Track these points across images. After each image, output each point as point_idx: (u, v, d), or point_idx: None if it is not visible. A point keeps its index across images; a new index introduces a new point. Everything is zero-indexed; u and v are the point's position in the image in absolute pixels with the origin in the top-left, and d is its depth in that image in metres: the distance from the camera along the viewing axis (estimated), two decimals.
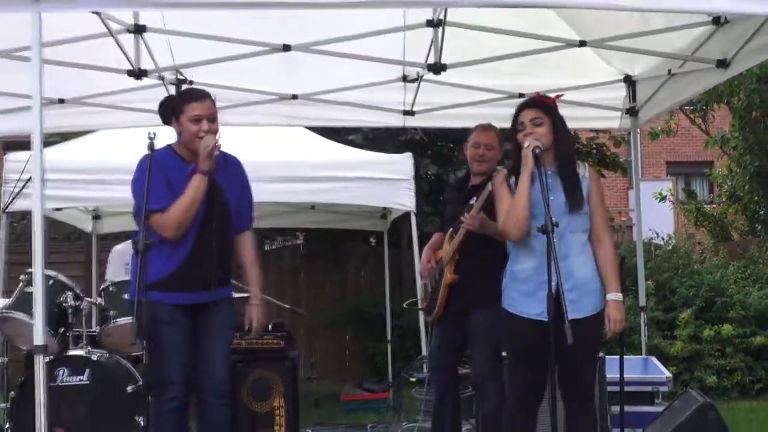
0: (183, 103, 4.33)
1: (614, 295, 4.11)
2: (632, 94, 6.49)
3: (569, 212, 4.06)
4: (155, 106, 6.52)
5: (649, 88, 6.29)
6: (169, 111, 4.37)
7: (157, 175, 4.09)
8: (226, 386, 4.26)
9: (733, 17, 4.82)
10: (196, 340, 4.19)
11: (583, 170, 4.27)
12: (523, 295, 4.12)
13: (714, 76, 5.46)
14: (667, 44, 5.44)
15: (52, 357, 4.98)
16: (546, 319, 3.86)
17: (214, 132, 4.26)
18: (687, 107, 12.68)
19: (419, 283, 5.98)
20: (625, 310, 4.16)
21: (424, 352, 7.80)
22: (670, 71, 5.79)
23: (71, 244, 10.74)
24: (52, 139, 8.12)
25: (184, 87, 6.16)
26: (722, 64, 5.21)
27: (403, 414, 7.23)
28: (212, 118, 4.28)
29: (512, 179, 4.17)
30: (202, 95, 4.37)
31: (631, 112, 6.57)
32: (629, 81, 6.43)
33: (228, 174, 4.39)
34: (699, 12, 4.79)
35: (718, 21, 4.97)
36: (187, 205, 4.11)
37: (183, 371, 4.12)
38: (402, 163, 7.97)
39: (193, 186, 4.13)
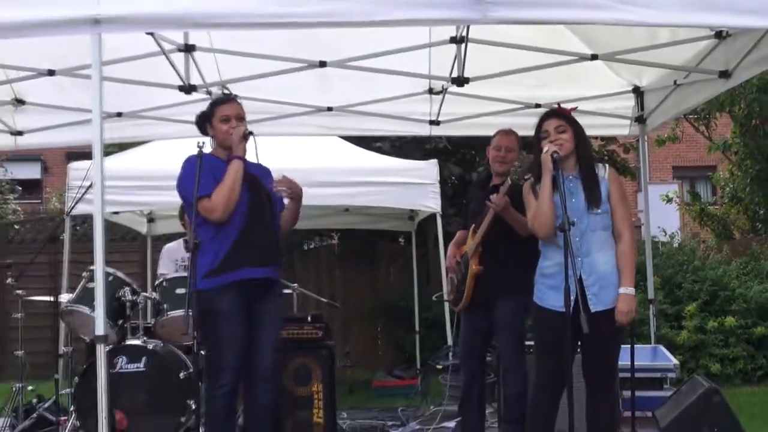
0: (213, 107, 4.42)
1: (624, 289, 4.04)
2: (640, 104, 6.45)
3: (588, 211, 4.05)
4: None
5: (656, 98, 6.25)
6: (203, 120, 4.43)
7: (202, 169, 4.12)
8: (271, 373, 4.27)
9: (735, 31, 4.80)
10: (248, 329, 4.19)
11: (603, 172, 4.22)
12: (549, 289, 4.11)
13: (716, 86, 5.43)
14: (672, 57, 5.42)
15: (111, 346, 5.02)
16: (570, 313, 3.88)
17: (235, 116, 4.33)
18: (691, 116, 12.55)
19: (445, 278, 5.97)
20: (636, 303, 4.10)
21: (450, 342, 7.81)
22: (675, 82, 5.76)
23: (128, 245, 10.83)
24: (110, 150, 8.19)
25: (218, 96, 6.22)
26: (724, 74, 5.18)
27: (430, 398, 7.23)
28: (240, 118, 4.33)
29: (537, 186, 4.15)
30: (229, 99, 4.51)
31: (640, 120, 6.52)
32: (637, 91, 6.39)
33: (258, 170, 4.42)
34: (703, 26, 4.76)
35: (720, 35, 4.95)
36: (230, 186, 4.13)
37: (235, 359, 4.12)
38: (428, 169, 7.99)
39: (233, 170, 4.17)
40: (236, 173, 4.16)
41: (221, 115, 4.30)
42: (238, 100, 4.49)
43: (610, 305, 3.96)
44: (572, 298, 3.86)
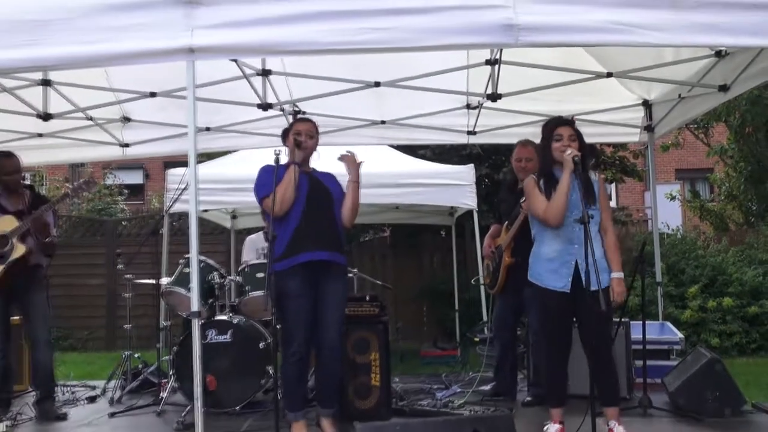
0: (292, 125, 4.50)
1: (617, 273, 4.08)
2: (649, 114, 6.35)
3: (586, 208, 3.98)
4: (278, 131, 6.64)
5: (663, 109, 6.15)
6: (285, 133, 4.51)
7: (269, 175, 4.16)
8: (337, 344, 4.28)
9: (733, 50, 4.69)
10: (316, 307, 4.20)
11: (595, 176, 4.23)
12: (549, 272, 4.05)
13: (716, 98, 5.33)
14: (677, 73, 5.32)
15: (203, 321, 5.08)
16: (568, 291, 3.97)
17: (311, 145, 4.36)
18: (692, 125, 12.36)
19: (481, 264, 5.94)
20: (625, 285, 4.13)
21: (485, 318, 7.77)
22: (680, 95, 5.65)
23: (214, 238, 10.95)
24: (200, 158, 8.27)
25: (299, 116, 6.25)
26: (723, 88, 5.09)
27: (468, 366, 7.19)
28: (310, 135, 4.37)
29: (541, 181, 4.10)
30: (306, 119, 4.54)
31: (648, 129, 6.40)
32: (646, 104, 6.29)
33: (327, 179, 4.44)
34: (704, 46, 4.68)
35: (719, 53, 4.87)
36: (284, 186, 4.15)
37: (303, 332, 4.14)
38: (466, 173, 7.95)
39: (288, 174, 4.20)
40: (289, 176, 4.20)
41: (295, 130, 4.37)
42: (313, 120, 4.53)
43: (602, 285, 3.89)
44: (571, 278, 3.95)
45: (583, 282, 3.74)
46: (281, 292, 4.11)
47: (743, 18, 3.38)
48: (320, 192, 4.32)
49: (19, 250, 5.01)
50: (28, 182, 5.77)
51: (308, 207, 4.23)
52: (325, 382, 4.30)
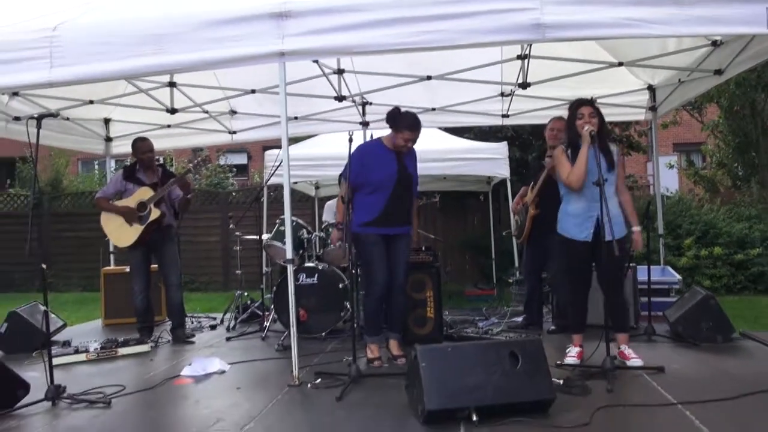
0: (403, 126, 4.11)
1: (636, 228, 4.02)
2: (653, 97, 6.07)
3: (607, 172, 3.84)
4: (351, 118, 6.64)
5: (665, 92, 5.86)
6: (391, 120, 4.16)
7: (359, 158, 4.08)
8: (404, 284, 4.27)
9: (727, 39, 4.42)
10: (389, 256, 4.16)
11: (614, 147, 4.05)
12: (574, 226, 3.94)
13: (711, 81, 5.05)
14: (679, 61, 5.05)
15: (295, 267, 5.12)
16: (590, 240, 3.88)
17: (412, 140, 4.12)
18: (687, 106, 11.81)
19: (512, 220, 5.83)
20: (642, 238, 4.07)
21: (516, 264, 7.67)
22: (680, 80, 5.38)
23: (302, 204, 11.06)
24: (290, 142, 8.33)
25: (366, 107, 6.20)
26: (718, 72, 4.82)
27: (503, 302, 7.13)
28: (413, 142, 4.14)
29: (568, 150, 3.96)
30: (415, 125, 4.13)
31: (652, 109, 6.13)
32: (651, 88, 6.02)
33: (411, 158, 4.27)
34: (704, 35, 4.42)
35: (715, 43, 4.60)
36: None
37: (383, 275, 4.11)
38: (500, 148, 7.82)
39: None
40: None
41: (401, 136, 4.10)
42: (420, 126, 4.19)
43: (618, 236, 3.76)
44: (592, 230, 3.85)
45: (602, 234, 3.66)
46: (366, 247, 4.09)
47: (737, 10, 3.18)
48: (406, 174, 4.19)
49: (155, 213, 5.13)
50: (160, 161, 5.88)
51: (397, 187, 4.11)
52: (394, 314, 4.29)
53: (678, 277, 5.66)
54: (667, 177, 11.95)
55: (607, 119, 6.65)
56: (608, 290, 3.86)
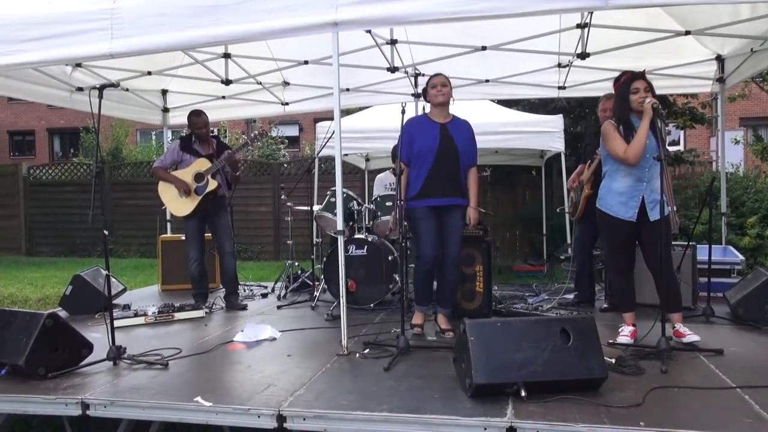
0: (428, 82, 4.20)
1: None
2: (721, 68, 5.75)
3: (658, 148, 3.67)
4: (403, 90, 6.55)
5: (735, 63, 5.54)
6: (423, 92, 4.27)
7: (406, 132, 4.07)
8: (456, 258, 4.22)
9: None
10: (440, 230, 4.14)
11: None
12: (619, 204, 3.80)
13: None
14: (751, 29, 4.75)
15: (345, 238, 5.15)
16: (634, 220, 3.76)
17: (446, 92, 4.12)
18: (757, 78, 11.14)
19: (566, 197, 5.70)
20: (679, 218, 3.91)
21: (568, 240, 7.51)
22: (752, 50, 5.06)
23: (353, 176, 11.11)
24: (342, 114, 8.34)
25: (419, 78, 6.10)
26: None
27: (554, 279, 7.02)
28: (444, 84, 4.13)
29: (620, 127, 3.79)
30: (437, 74, 4.19)
31: (720, 80, 5.82)
32: (719, 58, 5.70)
33: (459, 130, 4.19)
34: None
35: None
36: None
37: (433, 249, 4.10)
38: (555, 121, 7.60)
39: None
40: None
41: (432, 83, 4.16)
42: (443, 73, 4.24)
43: (659, 217, 3.62)
44: (637, 210, 3.74)
45: (647, 212, 3.57)
46: (416, 220, 4.08)
47: None
48: (449, 145, 4.12)
49: (212, 184, 5.25)
50: (214, 133, 5.98)
51: (438, 158, 4.06)
52: (444, 288, 4.27)
53: (740, 257, 5.43)
54: (731, 152, 11.41)
55: (670, 91, 6.35)
56: (658, 270, 3.73)
